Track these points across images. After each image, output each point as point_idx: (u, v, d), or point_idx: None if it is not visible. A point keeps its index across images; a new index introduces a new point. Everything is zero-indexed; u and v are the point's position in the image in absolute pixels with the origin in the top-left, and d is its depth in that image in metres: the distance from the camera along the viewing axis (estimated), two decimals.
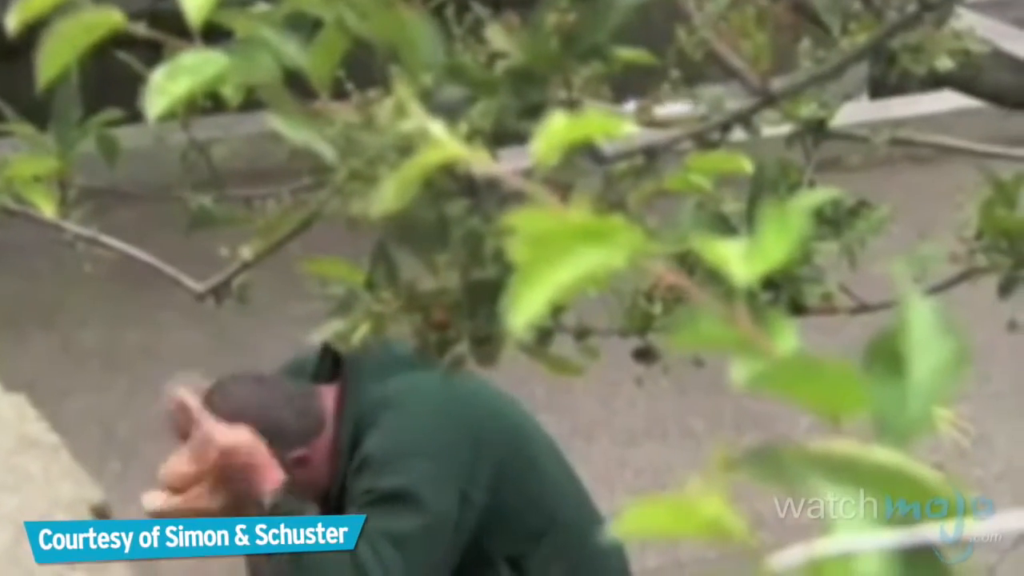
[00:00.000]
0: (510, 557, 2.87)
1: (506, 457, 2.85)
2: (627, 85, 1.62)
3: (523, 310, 0.72)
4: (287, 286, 2.86)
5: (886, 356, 0.71)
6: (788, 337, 0.71)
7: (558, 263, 0.72)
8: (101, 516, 1.90)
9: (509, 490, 2.84)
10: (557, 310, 1.55)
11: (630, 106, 1.60)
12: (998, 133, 3.48)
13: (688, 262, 1.33)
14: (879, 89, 5.86)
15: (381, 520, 2.72)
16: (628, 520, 0.56)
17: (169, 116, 2.14)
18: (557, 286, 0.72)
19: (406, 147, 0.76)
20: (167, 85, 0.96)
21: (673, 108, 1.56)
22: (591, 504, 3.00)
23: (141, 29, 1.10)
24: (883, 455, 0.64)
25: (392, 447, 2.75)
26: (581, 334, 1.64)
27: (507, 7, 1.20)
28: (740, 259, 0.72)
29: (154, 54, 1.12)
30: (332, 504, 2.86)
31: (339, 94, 1.18)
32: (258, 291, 2.19)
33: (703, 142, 1.22)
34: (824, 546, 0.55)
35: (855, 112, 4.86)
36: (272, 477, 2.75)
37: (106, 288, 5.25)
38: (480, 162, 0.74)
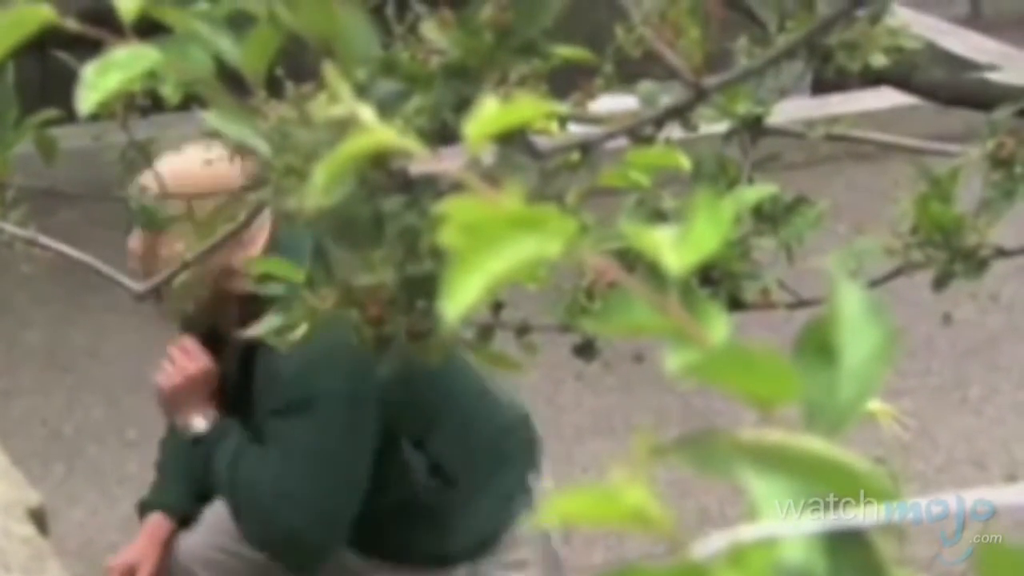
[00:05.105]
0: (413, 438, 2.85)
1: None
2: (571, 84, 1.63)
3: (457, 300, 0.72)
4: None
5: (817, 344, 0.72)
6: (720, 326, 0.71)
7: (492, 252, 0.72)
8: (39, 519, 1.88)
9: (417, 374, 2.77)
10: (497, 306, 1.55)
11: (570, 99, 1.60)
12: (937, 129, 3.51)
13: (628, 259, 1.34)
14: (820, 86, 5.89)
15: (276, 427, 2.74)
16: (553, 509, 0.56)
17: (108, 116, 2.13)
18: (492, 275, 0.72)
19: (338, 137, 0.76)
20: (98, 80, 0.96)
21: (611, 104, 1.56)
22: (494, 387, 2.96)
23: (74, 25, 1.09)
24: (812, 444, 0.64)
25: (302, 362, 2.70)
26: (521, 331, 1.64)
27: (443, 3, 1.20)
28: (671, 247, 0.72)
29: (98, 54, 1.11)
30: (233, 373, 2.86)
31: (276, 91, 1.17)
32: None
33: (638, 137, 1.22)
34: (748, 532, 0.55)
35: (796, 109, 4.87)
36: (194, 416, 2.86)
37: (49, 289, 5.21)
38: (413, 151, 0.73)
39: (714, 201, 0.71)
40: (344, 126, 0.68)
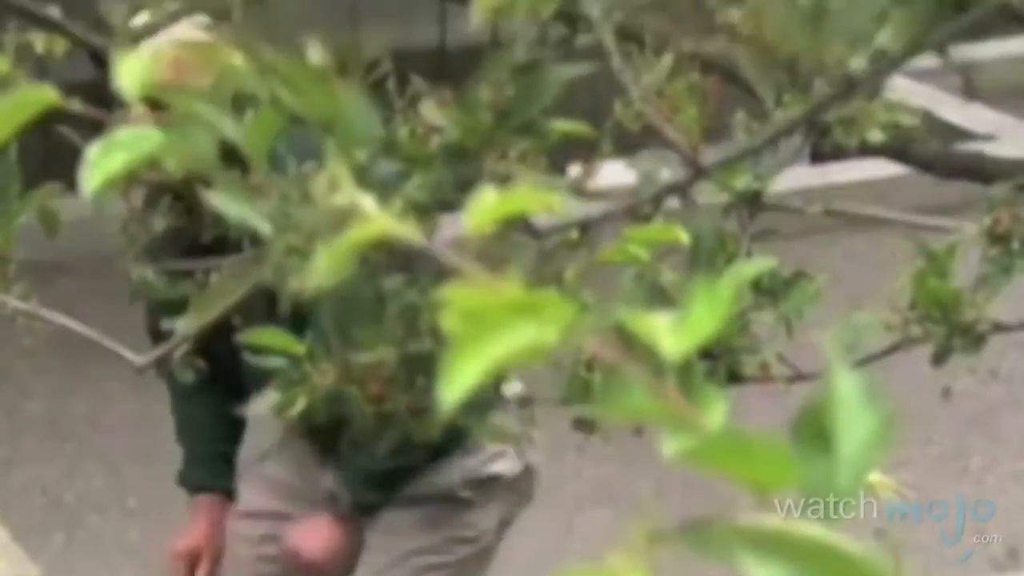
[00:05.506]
0: None
1: None
2: (570, 154, 1.63)
3: (456, 384, 0.72)
4: None
5: (813, 430, 0.72)
6: (718, 410, 0.72)
7: (491, 337, 0.72)
8: None
9: None
10: (498, 381, 1.55)
11: (569, 172, 1.60)
12: (936, 196, 3.52)
13: (627, 333, 1.34)
14: (819, 155, 5.91)
15: None
16: None
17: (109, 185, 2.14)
18: (490, 360, 0.72)
19: (340, 222, 0.77)
20: (102, 160, 0.97)
21: (611, 175, 1.56)
22: None
23: (77, 105, 1.10)
24: (811, 530, 0.64)
25: None
26: (523, 403, 1.64)
27: (442, 81, 1.21)
28: (669, 332, 0.72)
29: (99, 126, 1.12)
30: None
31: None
32: None
33: (637, 216, 1.23)
34: None
35: (794, 177, 4.88)
36: None
37: (49, 358, 5.21)
38: (414, 237, 0.74)
39: (712, 287, 0.71)
40: (345, 214, 0.68)
